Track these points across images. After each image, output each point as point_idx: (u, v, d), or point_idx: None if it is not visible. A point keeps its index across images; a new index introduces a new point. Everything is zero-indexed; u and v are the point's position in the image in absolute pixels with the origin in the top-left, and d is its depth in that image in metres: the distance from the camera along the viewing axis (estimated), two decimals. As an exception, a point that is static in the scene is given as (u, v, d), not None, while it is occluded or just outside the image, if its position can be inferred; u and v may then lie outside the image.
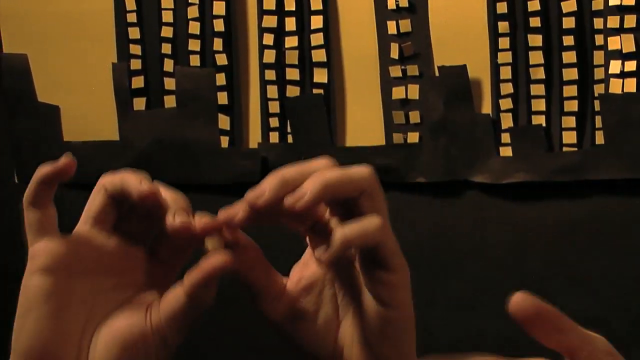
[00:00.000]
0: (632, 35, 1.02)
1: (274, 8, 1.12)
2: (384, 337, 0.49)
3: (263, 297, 0.50)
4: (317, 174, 0.47)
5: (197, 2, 1.14)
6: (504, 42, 1.06)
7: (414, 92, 1.10)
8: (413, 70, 1.09)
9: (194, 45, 1.15)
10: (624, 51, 1.02)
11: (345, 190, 0.47)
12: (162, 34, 1.16)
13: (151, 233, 0.51)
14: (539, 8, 1.05)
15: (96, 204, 0.49)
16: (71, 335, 0.48)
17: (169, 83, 1.16)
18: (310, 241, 0.52)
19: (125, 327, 0.48)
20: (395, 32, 1.09)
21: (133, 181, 0.48)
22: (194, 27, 1.15)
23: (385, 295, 0.48)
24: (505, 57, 1.07)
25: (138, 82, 1.17)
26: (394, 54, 1.10)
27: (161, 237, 0.51)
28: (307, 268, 0.52)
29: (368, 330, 0.49)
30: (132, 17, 1.17)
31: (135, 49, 1.17)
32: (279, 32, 1.13)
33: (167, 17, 1.15)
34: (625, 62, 1.02)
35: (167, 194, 0.49)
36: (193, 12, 1.14)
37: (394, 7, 1.09)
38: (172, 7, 1.15)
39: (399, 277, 0.48)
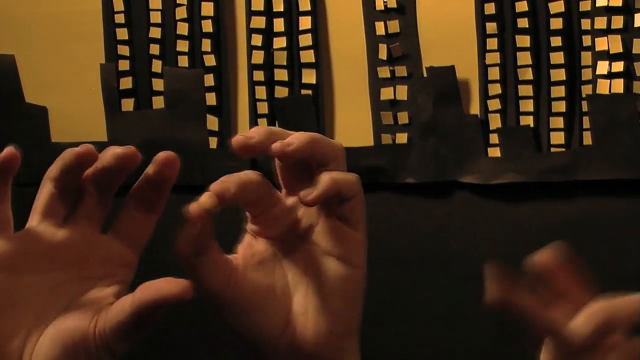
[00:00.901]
0: (619, 37, 1.02)
1: (262, 9, 1.12)
2: (345, 297, 0.52)
3: (215, 276, 0.50)
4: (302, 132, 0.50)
5: (186, 3, 1.14)
6: (492, 43, 1.07)
7: (402, 92, 1.10)
8: (401, 71, 1.10)
9: (183, 46, 1.15)
10: (611, 52, 1.03)
11: (325, 150, 0.50)
12: (151, 35, 1.16)
13: (104, 210, 0.50)
14: (527, 9, 1.05)
15: (42, 196, 0.49)
16: (15, 334, 0.47)
17: (158, 84, 1.16)
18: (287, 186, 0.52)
19: (69, 329, 0.47)
20: (384, 33, 1.10)
21: (67, 152, 0.48)
22: (183, 28, 1.14)
23: (351, 253, 0.51)
24: (493, 57, 1.07)
25: (126, 83, 1.17)
26: (383, 54, 1.10)
27: (122, 213, 0.50)
28: (253, 247, 0.52)
29: (328, 294, 0.51)
30: (120, 18, 1.16)
31: (124, 50, 1.17)
32: (268, 33, 1.13)
33: (156, 18, 1.15)
34: (613, 63, 1.03)
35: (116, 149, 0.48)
36: (181, 13, 1.14)
37: (382, 8, 1.09)
38: (161, 7, 1.15)
39: (363, 236, 0.52)
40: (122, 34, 1.17)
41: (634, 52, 1.03)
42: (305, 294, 0.52)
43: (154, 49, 1.16)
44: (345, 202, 0.50)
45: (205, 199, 0.49)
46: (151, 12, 1.15)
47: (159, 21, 1.15)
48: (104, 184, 0.49)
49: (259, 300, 0.52)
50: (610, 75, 1.03)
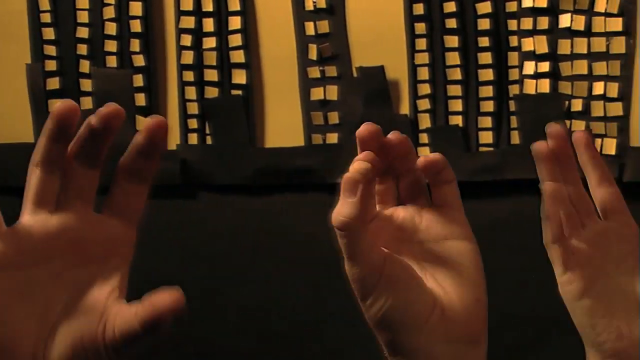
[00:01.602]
0: (545, 37, 1.04)
1: (192, 9, 1.11)
2: (477, 268, 0.59)
3: (377, 249, 0.57)
4: None
5: (114, 3, 1.13)
6: (422, 43, 1.07)
7: (332, 93, 1.10)
8: (332, 71, 1.10)
9: (111, 46, 1.13)
10: (537, 52, 1.04)
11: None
12: (78, 35, 1.14)
13: (94, 185, 0.50)
14: (455, 9, 1.06)
15: (31, 184, 0.49)
16: (26, 327, 0.47)
17: (86, 84, 1.15)
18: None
19: (78, 332, 0.48)
20: (314, 34, 1.10)
21: (47, 122, 0.48)
22: (111, 28, 1.13)
23: (465, 230, 0.61)
24: (422, 58, 1.08)
25: (54, 83, 1.15)
26: (313, 55, 1.10)
27: (114, 188, 0.51)
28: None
29: (463, 269, 0.59)
30: (46, 17, 1.15)
31: (50, 50, 1.15)
32: (197, 33, 1.12)
33: (83, 17, 1.14)
34: (539, 63, 1.04)
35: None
36: (109, 12, 1.13)
37: (312, 9, 1.10)
38: (88, 7, 1.13)
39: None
40: (49, 33, 1.15)
41: (559, 52, 1.04)
42: (433, 278, 0.58)
43: (82, 49, 1.14)
44: (444, 185, 0.61)
45: (358, 165, 0.57)
46: (78, 12, 1.14)
47: (87, 21, 1.14)
48: (91, 153, 0.50)
49: (412, 276, 0.57)
50: (537, 75, 1.05)
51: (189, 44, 1.12)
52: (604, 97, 1.03)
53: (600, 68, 1.03)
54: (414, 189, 0.62)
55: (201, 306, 1.14)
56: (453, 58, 1.07)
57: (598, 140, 1.03)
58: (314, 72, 1.10)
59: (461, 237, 0.60)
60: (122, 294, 0.50)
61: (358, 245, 0.55)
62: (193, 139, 1.13)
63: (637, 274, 0.64)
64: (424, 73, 1.08)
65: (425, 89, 1.08)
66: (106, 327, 0.48)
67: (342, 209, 0.55)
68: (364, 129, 0.59)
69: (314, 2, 1.09)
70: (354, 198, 0.55)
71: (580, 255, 0.65)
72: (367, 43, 1.09)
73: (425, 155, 0.61)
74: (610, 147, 1.03)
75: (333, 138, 1.11)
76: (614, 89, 1.03)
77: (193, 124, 1.13)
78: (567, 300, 0.65)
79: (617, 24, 1.02)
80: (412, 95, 1.09)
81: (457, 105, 1.08)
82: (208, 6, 1.11)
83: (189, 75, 1.12)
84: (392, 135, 0.60)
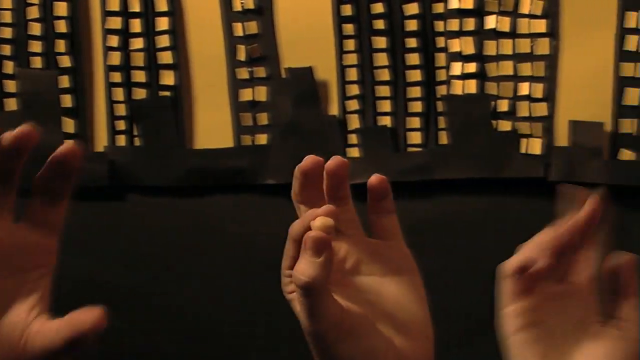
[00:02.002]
0: (471, 38, 1.05)
1: (118, 9, 1.10)
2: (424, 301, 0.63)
3: (336, 305, 0.56)
4: None
5: (38, 3, 1.11)
6: (350, 44, 1.08)
7: (261, 94, 1.10)
8: (260, 72, 1.10)
9: (36, 47, 1.12)
10: (464, 53, 1.05)
11: None
12: (1, 35, 1.12)
13: (11, 199, 0.51)
14: (383, 10, 1.07)
15: None
16: None
17: (10, 85, 1.13)
18: None
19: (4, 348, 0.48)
20: (242, 34, 1.09)
21: None
22: (35, 28, 1.11)
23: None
24: (351, 58, 1.08)
25: (-24, 84, 1.13)
26: (241, 56, 1.09)
27: (31, 203, 0.52)
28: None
29: (410, 304, 0.61)
30: (-33, 18, 1.13)
31: (-27, 51, 1.13)
32: (124, 34, 1.11)
33: (6, 17, 1.12)
34: (465, 64, 1.05)
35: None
36: (34, 12, 1.11)
37: (240, 9, 1.09)
38: (11, 7, 1.11)
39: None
40: (-29, 34, 1.13)
41: (485, 53, 1.05)
42: (383, 319, 0.59)
43: (5, 50, 1.12)
44: (387, 215, 0.63)
45: (322, 222, 0.55)
46: (1, 12, 1.12)
47: (10, 21, 1.12)
48: (4, 171, 0.50)
49: (368, 324, 0.58)
50: (464, 76, 1.06)
51: (115, 45, 1.11)
52: (529, 98, 1.05)
53: (525, 69, 1.05)
54: (352, 218, 0.63)
55: (131, 308, 1.13)
56: (381, 59, 1.08)
57: (524, 140, 1.04)
58: (243, 73, 1.10)
59: (406, 271, 0.62)
60: (45, 307, 0.51)
61: (319, 305, 0.55)
62: (121, 140, 1.12)
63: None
64: (352, 74, 1.08)
65: (354, 89, 1.08)
66: (27, 344, 0.48)
67: (307, 269, 0.54)
68: (309, 161, 0.59)
69: (242, 3, 1.09)
70: (319, 259, 0.54)
71: (533, 300, 0.63)
72: (295, 44, 1.09)
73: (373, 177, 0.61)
74: (535, 146, 1.05)
75: (262, 139, 1.10)
76: (539, 90, 1.04)
77: (121, 125, 1.12)
78: (506, 331, 0.63)
79: (541, 26, 1.04)
80: (341, 96, 1.09)
81: (385, 106, 1.08)
82: (135, 7, 1.10)
83: (116, 77, 1.11)
84: (333, 162, 0.59)
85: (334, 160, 0.58)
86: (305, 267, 0.55)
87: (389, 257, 0.62)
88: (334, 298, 0.57)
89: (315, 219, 0.56)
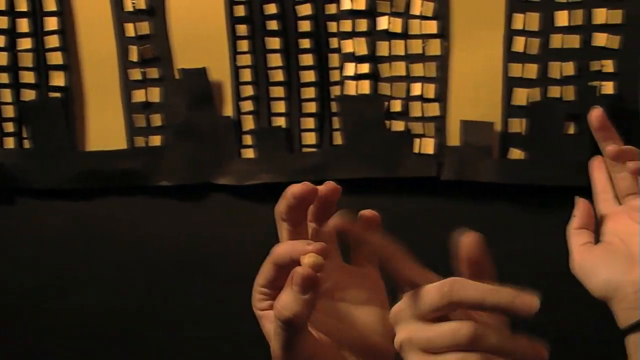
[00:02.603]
0: (364, 39, 1.06)
1: (4, 8, 1.08)
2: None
3: (315, 341, 0.58)
4: None
5: None
6: (243, 45, 1.08)
7: (155, 95, 1.09)
8: (153, 73, 1.09)
9: None
10: (357, 54, 1.06)
11: None
12: None
13: None
14: (276, 11, 1.07)
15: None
16: None
17: None
18: None
19: None
20: (134, 35, 1.08)
21: None
22: None
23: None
24: (245, 59, 1.08)
25: None
26: (133, 56, 1.08)
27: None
28: None
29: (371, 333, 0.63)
30: None
31: None
32: (11, 34, 1.09)
33: None
34: (359, 65, 1.06)
35: None
36: None
37: (132, 10, 1.08)
38: None
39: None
40: None
41: (378, 54, 1.06)
42: (349, 350, 0.60)
43: None
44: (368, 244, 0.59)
45: (313, 260, 0.54)
46: None
47: None
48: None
49: (337, 352, 0.59)
50: (357, 77, 1.06)
51: (2, 45, 1.09)
52: (421, 98, 1.06)
53: (417, 69, 1.06)
54: (332, 241, 0.63)
55: (24, 312, 1.11)
56: (275, 60, 1.08)
57: (417, 140, 1.06)
58: (135, 74, 1.09)
59: (377, 302, 0.62)
60: None
61: (296, 340, 0.56)
62: (10, 142, 1.10)
63: None
64: (246, 75, 1.08)
65: (248, 90, 1.08)
66: None
67: (291, 305, 0.55)
68: (304, 188, 0.59)
69: (133, 3, 1.08)
70: (305, 296, 0.54)
71: None
72: (188, 45, 1.09)
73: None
74: (428, 146, 1.06)
75: (156, 140, 1.09)
76: (431, 90, 1.05)
77: (9, 127, 1.10)
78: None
79: (432, 27, 1.05)
80: (235, 96, 1.09)
81: (280, 107, 1.08)
82: (22, 6, 1.08)
83: (4, 77, 1.09)
84: (326, 188, 0.60)
85: (328, 186, 0.60)
86: (289, 302, 0.55)
87: (363, 286, 0.62)
88: (311, 332, 0.57)
89: (307, 255, 0.55)
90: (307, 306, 0.54)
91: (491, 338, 0.53)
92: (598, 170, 0.78)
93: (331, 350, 0.59)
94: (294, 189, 0.58)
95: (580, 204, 0.76)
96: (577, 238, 0.74)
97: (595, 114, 0.75)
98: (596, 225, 0.76)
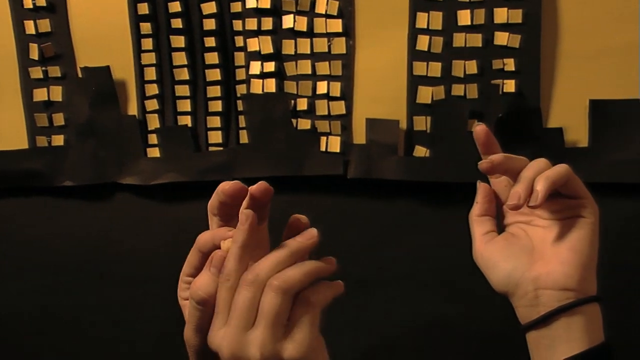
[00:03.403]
0: (269, 37, 1.05)
1: None
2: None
3: None
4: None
5: None
6: (148, 43, 1.07)
7: (57, 93, 1.07)
8: (55, 71, 1.07)
9: None
10: (262, 52, 1.06)
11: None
12: None
13: None
14: (180, 9, 1.06)
15: None
16: None
17: None
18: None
19: None
20: (34, 33, 1.06)
21: None
22: None
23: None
24: (149, 58, 1.07)
25: None
26: (34, 54, 1.06)
27: None
28: None
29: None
30: None
31: None
32: None
33: None
34: (264, 63, 1.06)
35: None
36: None
37: (32, 7, 1.06)
38: None
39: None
40: None
41: (283, 52, 1.06)
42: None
43: None
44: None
45: (230, 244, 0.60)
46: None
47: None
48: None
49: None
50: (263, 75, 1.06)
51: None
52: (327, 96, 1.06)
53: (323, 68, 1.06)
54: (263, 238, 0.66)
55: None
56: (180, 58, 1.07)
57: (323, 138, 1.06)
58: (36, 73, 1.07)
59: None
60: None
61: (209, 322, 0.59)
62: None
63: None
64: (151, 73, 1.07)
65: (153, 89, 1.07)
66: None
67: (206, 285, 0.58)
68: (235, 187, 0.62)
69: (32, 1, 1.06)
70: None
71: None
72: (91, 43, 1.07)
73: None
74: (334, 144, 1.06)
75: (59, 140, 1.08)
76: (336, 88, 1.06)
77: None
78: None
79: (337, 25, 1.05)
80: (140, 95, 1.07)
81: (185, 105, 1.08)
82: None
83: None
84: (258, 188, 0.63)
85: (260, 187, 0.63)
86: (204, 283, 0.58)
87: None
88: None
89: (227, 240, 0.59)
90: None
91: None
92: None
93: None
94: (225, 186, 0.62)
95: (482, 188, 0.77)
96: (479, 227, 0.75)
97: (480, 129, 0.76)
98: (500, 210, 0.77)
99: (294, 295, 0.61)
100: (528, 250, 0.72)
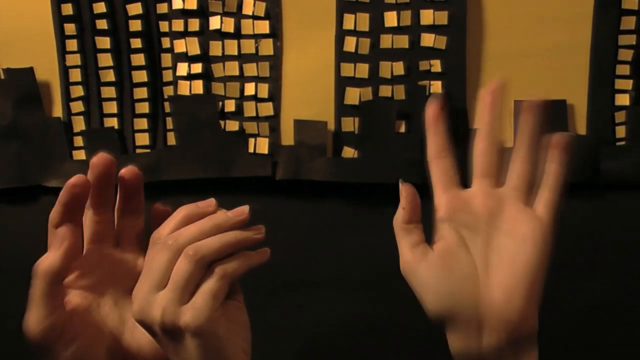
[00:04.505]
0: (196, 39, 1.05)
1: None
2: None
3: None
4: None
5: None
6: (72, 44, 1.05)
7: (-22, 96, 1.06)
8: (-24, 73, 1.05)
9: None
10: (189, 54, 1.05)
11: None
12: None
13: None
14: (106, 10, 1.05)
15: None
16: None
17: None
18: None
19: None
20: (-46, 33, 1.05)
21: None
22: None
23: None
24: (74, 59, 1.06)
25: None
26: (-46, 56, 1.05)
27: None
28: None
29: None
30: None
31: None
32: None
33: None
34: (192, 65, 1.05)
35: None
36: None
37: (-50, 6, 1.05)
38: None
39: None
40: None
41: (211, 54, 1.06)
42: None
43: None
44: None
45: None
46: None
47: None
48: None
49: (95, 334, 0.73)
50: (190, 77, 1.05)
51: None
52: (255, 98, 1.06)
53: (250, 69, 1.06)
54: (139, 232, 0.74)
55: None
56: (105, 59, 1.06)
57: (251, 140, 1.05)
58: (-42, 74, 1.05)
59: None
60: None
61: (47, 296, 0.65)
62: None
63: None
64: (76, 75, 1.06)
65: (78, 91, 1.06)
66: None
67: (46, 258, 0.67)
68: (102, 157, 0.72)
69: (-48, 0, 1.04)
70: (59, 250, 0.66)
71: None
72: (13, 44, 1.05)
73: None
74: (263, 146, 1.06)
75: (-18, 143, 1.06)
76: (264, 90, 1.06)
77: None
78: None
79: (264, 27, 1.05)
80: (65, 97, 1.06)
81: (111, 107, 1.07)
82: None
83: None
84: (127, 170, 0.73)
85: (129, 169, 0.72)
86: (46, 256, 0.66)
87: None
88: (61, 305, 0.67)
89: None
90: (60, 259, 0.66)
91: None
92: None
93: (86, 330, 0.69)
94: (72, 180, 0.71)
95: (406, 191, 0.71)
96: (406, 237, 0.70)
97: (433, 108, 0.75)
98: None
99: (208, 264, 0.65)
100: (469, 275, 0.67)
